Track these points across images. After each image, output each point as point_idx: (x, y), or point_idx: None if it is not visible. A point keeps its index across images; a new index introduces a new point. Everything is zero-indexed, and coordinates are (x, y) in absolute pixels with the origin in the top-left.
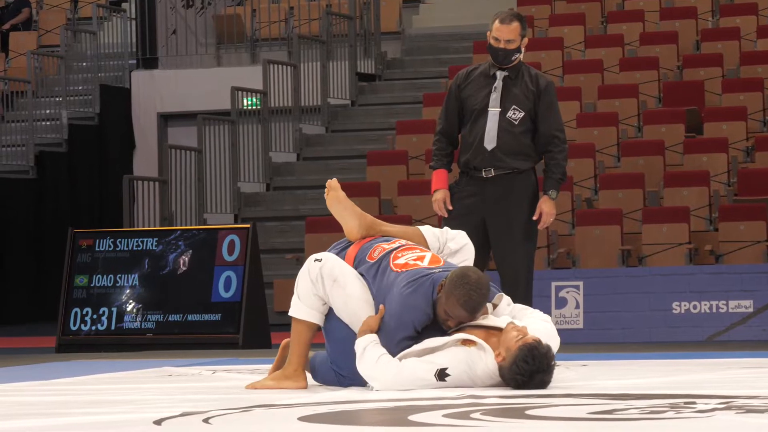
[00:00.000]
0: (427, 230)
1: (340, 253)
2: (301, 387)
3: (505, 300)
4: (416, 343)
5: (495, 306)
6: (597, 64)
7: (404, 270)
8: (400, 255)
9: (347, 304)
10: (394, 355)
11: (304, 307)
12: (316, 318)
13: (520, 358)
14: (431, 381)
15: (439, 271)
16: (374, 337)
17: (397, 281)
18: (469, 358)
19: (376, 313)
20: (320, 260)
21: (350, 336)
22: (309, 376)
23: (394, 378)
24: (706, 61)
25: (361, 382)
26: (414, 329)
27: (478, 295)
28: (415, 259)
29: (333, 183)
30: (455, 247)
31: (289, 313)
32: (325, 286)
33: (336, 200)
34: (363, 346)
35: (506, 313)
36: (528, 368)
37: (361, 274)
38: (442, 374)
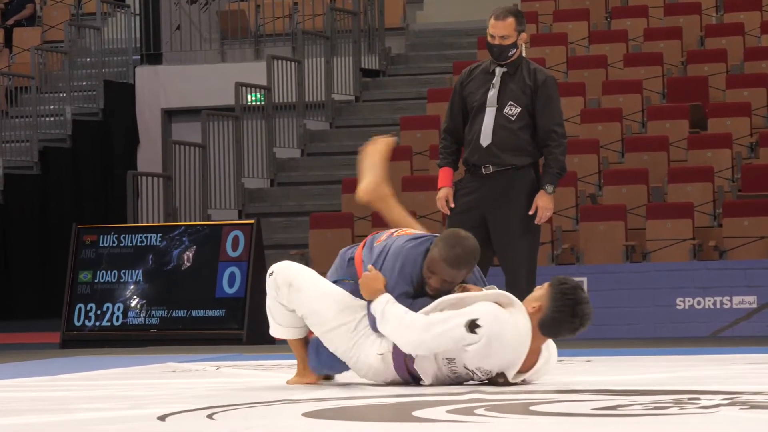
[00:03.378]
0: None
1: (349, 258)
2: (315, 380)
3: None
4: (413, 302)
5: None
6: (601, 60)
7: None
8: (402, 232)
9: (310, 307)
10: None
11: (280, 327)
12: (297, 334)
13: (557, 292)
14: (461, 335)
15: (431, 235)
16: (388, 296)
17: (397, 240)
18: (500, 313)
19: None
20: (271, 273)
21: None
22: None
23: (420, 335)
24: (710, 56)
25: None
26: (412, 284)
27: (462, 250)
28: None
29: (390, 140)
30: None
31: (270, 334)
32: (283, 294)
33: (374, 152)
34: (381, 309)
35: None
36: (570, 300)
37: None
38: (473, 326)
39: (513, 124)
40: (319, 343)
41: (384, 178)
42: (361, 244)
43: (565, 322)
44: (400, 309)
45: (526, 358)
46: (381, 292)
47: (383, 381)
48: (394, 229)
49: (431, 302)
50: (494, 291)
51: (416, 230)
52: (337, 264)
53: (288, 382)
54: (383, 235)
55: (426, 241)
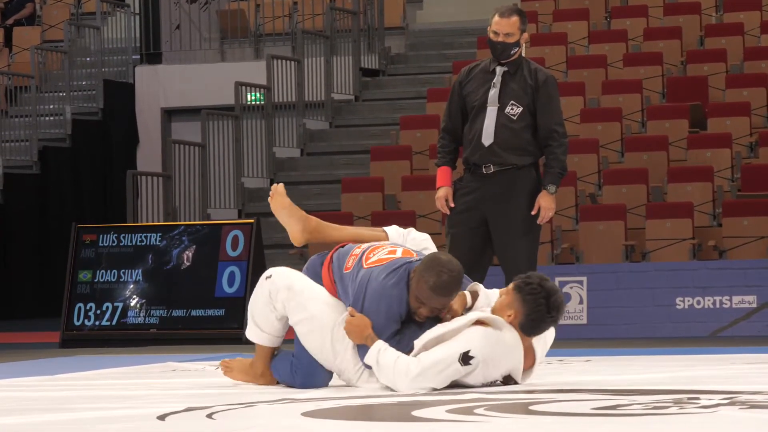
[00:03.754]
0: (391, 230)
1: (317, 279)
2: (272, 384)
3: (482, 291)
4: (402, 335)
5: (475, 295)
6: (601, 60)
7: (377, 265)
8: (371, 255)
9: (308, 308)
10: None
11: (259, 332)
12: (273, 343)
13: (526, 294)
14: (456, 369)
15: (416, 260)
16: (381, 343)
17: (373, 275)
18: (487, 336)
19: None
20: (269, 276)
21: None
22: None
23: (415, 379)
24: (709, 56)
25: (314, 383)
26: (400, 320)
27: (449, 277)
28: (387, 253)
29: (278, 188)
30: (414, 248)
31: (246, 335)
32: (281, 298)
33: (280, 206)
34: (374, 358)
35: (483, 302)
36: (542, 299)
37: (346, 288)
38: (466, 358)
39: (515, 124)
40: (295, 365)
41: (303, 216)
42: (326, 259)
43: (544, 320)
44: (393, 356)
45: (525, 358)
46: (370, 337)
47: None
48: (358, 249)
49: (418, 331)
50: (472, 314)
51: (370, 241)
52: (310, 275)
53: (232, 377)
54: (349, 260)
55: (403, 271)
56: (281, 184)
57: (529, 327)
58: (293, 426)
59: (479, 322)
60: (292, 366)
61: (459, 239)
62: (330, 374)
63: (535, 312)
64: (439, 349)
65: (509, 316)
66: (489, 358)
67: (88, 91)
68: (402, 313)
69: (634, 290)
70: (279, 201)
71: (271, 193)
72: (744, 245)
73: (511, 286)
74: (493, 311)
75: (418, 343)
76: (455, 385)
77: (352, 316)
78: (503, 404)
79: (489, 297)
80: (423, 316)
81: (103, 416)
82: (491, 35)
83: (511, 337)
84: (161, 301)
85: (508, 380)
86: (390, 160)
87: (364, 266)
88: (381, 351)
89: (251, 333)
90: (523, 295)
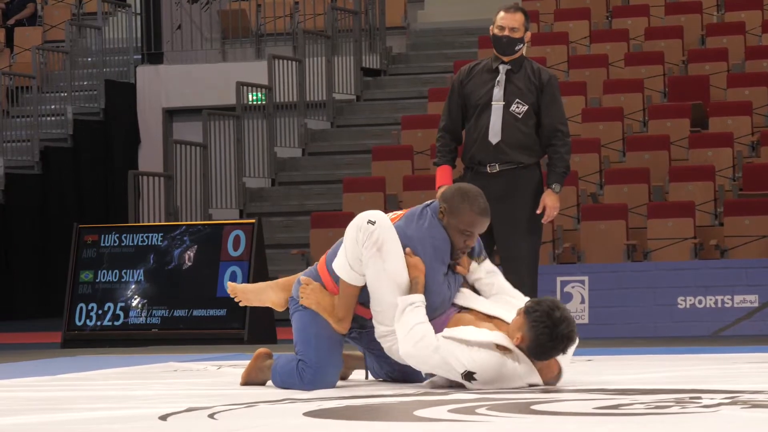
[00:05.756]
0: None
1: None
2: (345, 331)
3: (487, 264)
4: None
5: (480, 262)
6: (602, 59)
7: (395, 221)
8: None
9: (378, 278)
10: (438, 299)
11: (353, 273)
12: (361, 282)
13: (532, 323)
14: (455, 375)
15: (429, 203)
16: (418, 297)
17: (401, 227)
18: (500, 364)
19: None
20: (373, 222)
21: (316, 327)
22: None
23: (425, 357)
24: (711, 55)
25: (325, 381)
26: (444, 261)
27: (481, 196)
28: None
29: (235, 289)
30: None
31: (337, 273)
32: (367, 252)
33: (246, 299)
34: (403, 307)
35: (484, 278)
36: (546, 328)
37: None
38: (468, 376)
39: (519, 122)
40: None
41: (269, 284)
42: (321, 261)
43: (549, 348)
44: (417, 318)
45: (544, 370)
46: (418, 282)
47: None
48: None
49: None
50: (497, 335)
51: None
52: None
53: (306, 304)
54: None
55: (429, 214)
56: (231, 285)
57: (536, 353)
58: (295, 426)
59: (501, 347)
60: (299, 369)
61: None
62: (339, 372)
63: (540, 339)
64: (455, 353)
65: (518, 338)
66: (491, 383)
67: (90, 91)
68: (447, 252)
69: (635, 290)
70: (243, 297)
71: (234, 297)
72: (745, 244)
73: (522, 308)
74: (509, 333)
75: (447, 333)
76: (454, 384)
77: (410, 256)
78: (505, 404)
79: (495, 281)
80: (467, 248)
81: (105, 416)
82: (496, 30)
83: (524, 369)
84: (163, 301)
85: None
86: (391, 159)
87: None
88: (412, 306)
89: (344, 273)
90: (530, 321)
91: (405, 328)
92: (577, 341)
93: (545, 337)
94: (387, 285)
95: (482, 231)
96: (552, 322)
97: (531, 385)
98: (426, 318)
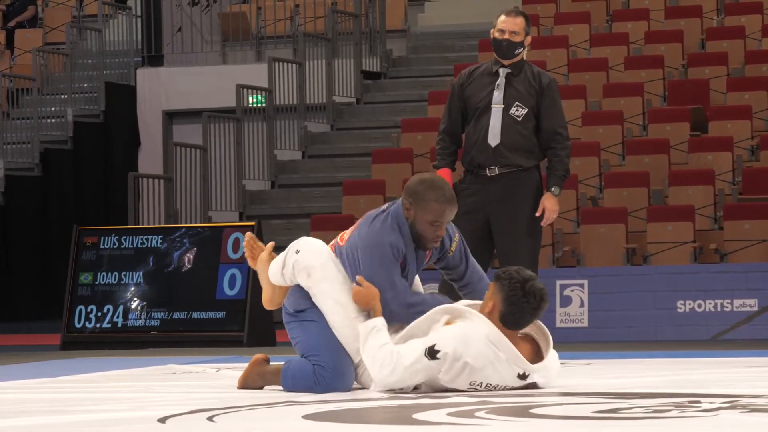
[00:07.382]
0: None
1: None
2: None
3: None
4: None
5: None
6: (602, 63)
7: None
8: (344, 235)
9: (319, 301)
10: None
11: (279, 273)
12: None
13: (502, 285)
14: (427, 365)
15: (392, 203)
16: (379, 321)
17: (359, 235)
18: (459, 332)
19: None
20: (298, 252)
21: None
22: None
23: (390, 377)
24: (711, 59)
25: (344, 383)
26: (396, 258)
27: (448, 186)
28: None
29: (252, 241)
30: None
31: (269, 276)
32: (301, 280)
33: (252, 257)
34: (366, 334)
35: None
36: (517, 283)
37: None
38: (432, 352)
39: (519, 125)
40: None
41: (272, 291)
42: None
43: (522, 306)
44: (380, 341)
45: (522, 348)
46: (374, 308)
47: None
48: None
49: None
50: (440, 307)
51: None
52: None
53: (252, 265)
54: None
55: (387, 215)
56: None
57: (509, 316)
58: (294, 429)
59: (451, 316)
60: (315, 373)
61: None
62: (354, 377)
63: (512, 297)
64: (413, 342)
65: (488, 307)
66: (461, 352)
67: (90, 94)
68: (400, 249)
69: (635, 293)
70: (262, 258)
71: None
72: (745, 248)
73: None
74: (480, 309)
75: (397, 337)
76: (448, 390)
77: (359, 284)
78: (504, 407)
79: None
80: (437, 238)
81: (104, 419)
82: (496, 34)
83: (485, 327)
84: (162, 304)
85: (525, 382)
86: (391, 162)
87: (341, 243)
88: (374, 330)
89: (275, 264)
90: (500, 284)
91: (370, 355)
92: (548, 302)
93: (518, 292)
94: (328, 306)
95: (450, 219)
96: (522, 278)
97: (522, 376)
98: (389, 339)
